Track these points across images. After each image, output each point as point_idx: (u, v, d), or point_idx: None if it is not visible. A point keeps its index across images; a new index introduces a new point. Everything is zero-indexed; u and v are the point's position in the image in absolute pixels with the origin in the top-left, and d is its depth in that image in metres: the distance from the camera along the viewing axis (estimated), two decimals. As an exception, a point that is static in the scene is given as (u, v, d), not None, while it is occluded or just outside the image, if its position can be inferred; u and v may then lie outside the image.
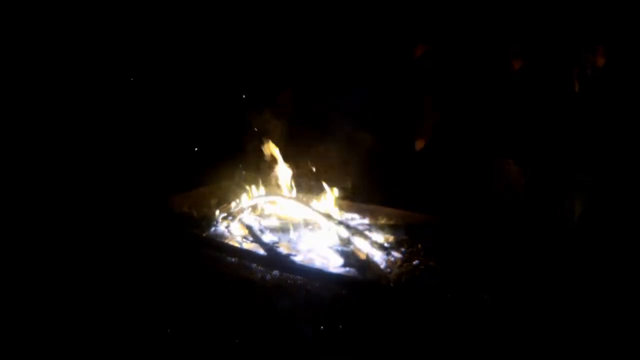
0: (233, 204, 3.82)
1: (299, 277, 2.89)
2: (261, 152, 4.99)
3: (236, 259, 3.16)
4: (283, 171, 3.97)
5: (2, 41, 4.80)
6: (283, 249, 3.18)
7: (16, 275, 3.02)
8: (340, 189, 3.84)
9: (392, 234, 3.44)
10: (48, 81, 5.08)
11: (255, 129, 5.01)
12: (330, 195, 3.79)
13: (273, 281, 2.90)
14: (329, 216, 3.41)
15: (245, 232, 3.42)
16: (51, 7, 5.03)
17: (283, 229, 3.46)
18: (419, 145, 4.46)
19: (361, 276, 2.87)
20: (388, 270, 2.95)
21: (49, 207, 3.99)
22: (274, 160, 3.99)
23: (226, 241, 3.37)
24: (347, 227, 3.30)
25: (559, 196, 3.71)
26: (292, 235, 3.39)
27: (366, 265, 2.95)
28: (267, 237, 3.34)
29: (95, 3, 5.28)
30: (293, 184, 3.95)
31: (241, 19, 5.44)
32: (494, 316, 2.55)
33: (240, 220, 3.55)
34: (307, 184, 4.09)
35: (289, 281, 2.88)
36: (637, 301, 2.71)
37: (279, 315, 2.64)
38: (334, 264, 3.01)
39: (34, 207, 4.00)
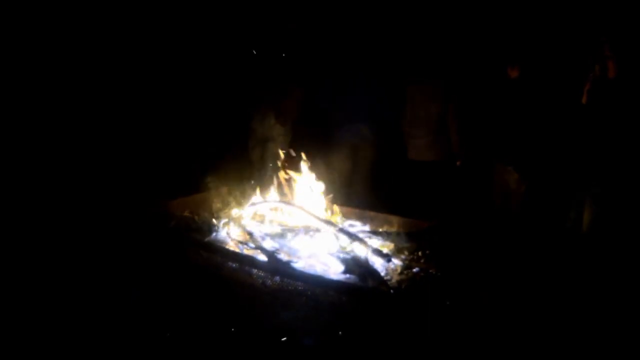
0: (234, 210, 3.83)
1: (299, 283, 2.89)
2: (264, 157, 5.02)
3: (237, 264, 3.16)
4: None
5: (3, 42, 4.83)
6: (284, 255, 3.18)
7: (13, 277, 3.04)
8: (341, 195, 3.84)
9: (393, 240, 3.44)
10: (49, 83, 5.11)
11: (259, 134, 5.03)
12: (331, 202, 3.79)
13: (273, 287, 2.91)
14: (330, 223, 3.42)
15: (247, 237, 3.43)
16: (53, 7, 5.06)
17: (284, 235, 3.46)
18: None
19: (361, 283, 2.88)
20: (388, 277, 2.96)
21: (50, 209, 4.01)
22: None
23: (227, 246, 3.38)
24: (348, 234, 3.31)
25: (559, 202, 3.72)
26: (293, 241, 3.40)
27: (367, 272, 2.95)
28: (268, 243, 3.34)
29: (98, 3, 5.32)
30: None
31: (245, 21, 5.47)
32: (493, 323, 2.56)
33: (241, 225, 3.56)
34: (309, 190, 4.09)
35: (289, 287, 2.89)
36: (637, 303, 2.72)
37: (279, 320, 2.65)
38: (335, 271, 3.02)
39: (33, 209, 4.02)
